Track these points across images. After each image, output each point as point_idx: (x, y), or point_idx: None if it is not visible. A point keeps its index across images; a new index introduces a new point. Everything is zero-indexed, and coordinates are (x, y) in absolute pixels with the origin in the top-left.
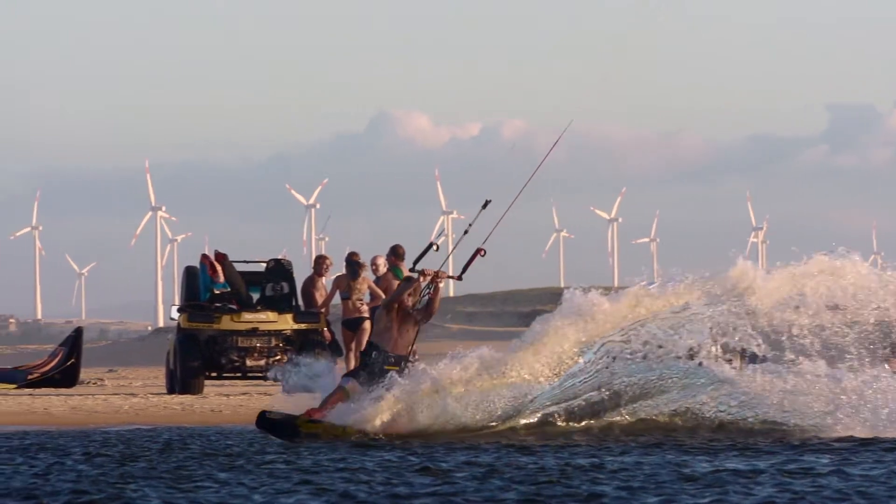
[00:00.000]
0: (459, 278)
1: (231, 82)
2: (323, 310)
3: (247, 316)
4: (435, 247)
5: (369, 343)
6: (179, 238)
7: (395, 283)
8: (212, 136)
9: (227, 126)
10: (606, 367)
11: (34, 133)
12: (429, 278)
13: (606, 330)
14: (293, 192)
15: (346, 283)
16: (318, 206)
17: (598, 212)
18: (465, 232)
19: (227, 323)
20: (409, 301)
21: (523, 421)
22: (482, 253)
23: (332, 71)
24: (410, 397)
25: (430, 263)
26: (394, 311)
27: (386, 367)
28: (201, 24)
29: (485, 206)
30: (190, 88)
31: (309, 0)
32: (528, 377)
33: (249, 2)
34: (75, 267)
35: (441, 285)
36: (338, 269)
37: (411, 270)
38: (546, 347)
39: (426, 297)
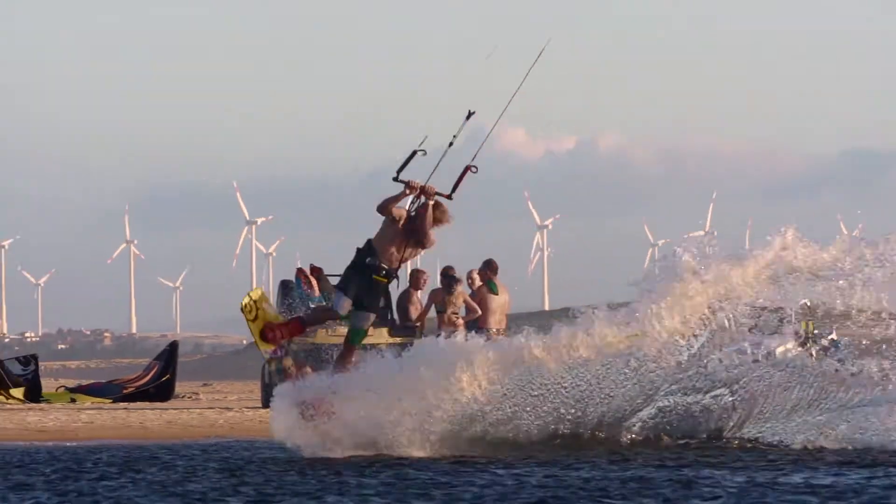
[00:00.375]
0: (450, 197)
1: (329, 95)
2: (418, 324)
3: (342, 330)
4: (422, 153)
5: (368, 242)
6: (273, 249)
7: (490, 297)
8: (309, 150)
9: (327, 140)
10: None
11: (127, 148)
12: (416, 191)
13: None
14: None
15: (441, 298)
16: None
17: (691, 235)
18: (450, 144)
19: (322, 337)
20: (396, 213)
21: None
22: (473, 169)
23: (428, 84)
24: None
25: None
26: (399, 223)
27: (375, 278)
28: (305, 40)
29: (468, 117)
30: (288, 101)
31: (404, 17)
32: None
33: (350, 20)
34: (168, 283)
35: (430, 202)
36: (433, 282)
37: (395, 180)
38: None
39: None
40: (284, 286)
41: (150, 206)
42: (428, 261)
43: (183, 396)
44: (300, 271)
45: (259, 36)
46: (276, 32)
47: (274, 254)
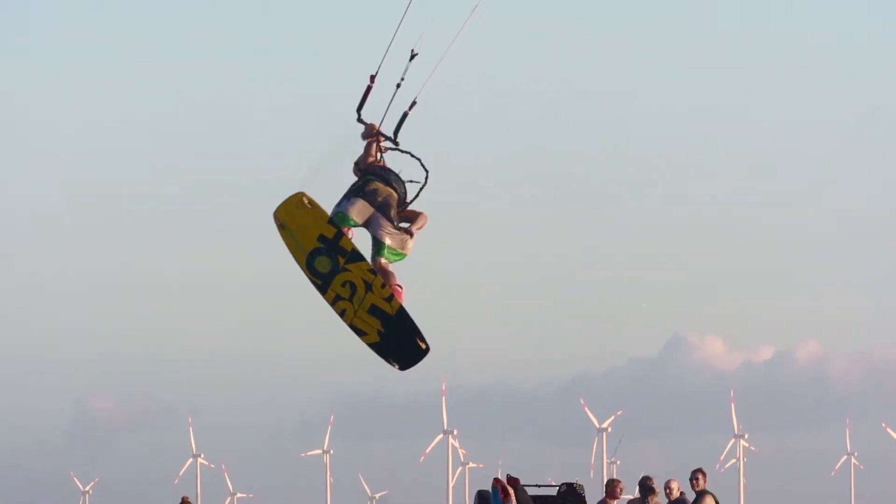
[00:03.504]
0: (395, 141)
1: (525, 312)
2: None
3: None
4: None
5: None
6: (470, 464)
7: None
8: (507, 359)
9: (523, 351)
10: None
11: (327, 356)
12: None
13: None
14: (587, 410)
15: None
16: (609, 429)
17: (889, 430)
18: (398, 86)
19: None
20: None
21: None
22: (411, 108)
23: (626, 294)
24: None
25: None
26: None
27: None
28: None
29: (411, 58)
30: (481, 305)
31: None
32: None
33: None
34: (367, 490)
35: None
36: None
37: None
38: None
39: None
40: (481, 497)
41: (350, 414)
42: (624, 471)
43: None
44: (497, 481)
45: None
46: None
47: (472, 465)
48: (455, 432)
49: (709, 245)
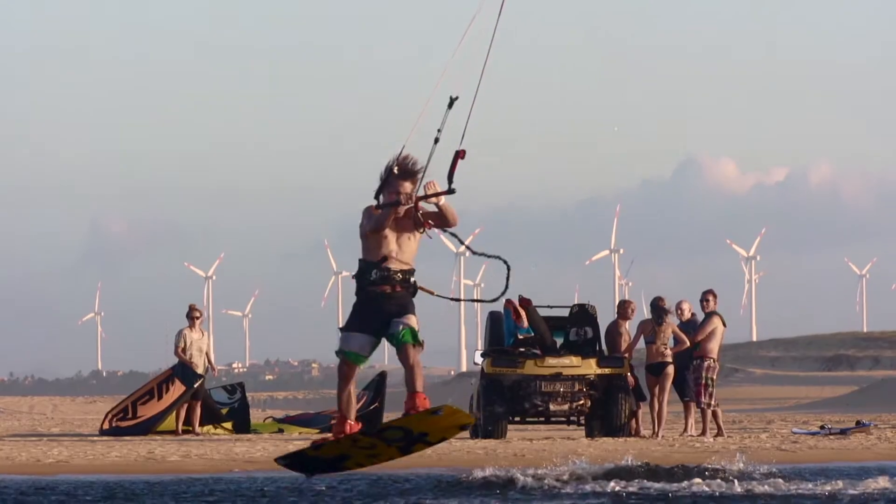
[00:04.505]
0: (451, 191)
1: (534, 127)
2: (627, 355)
3: (551, 361)
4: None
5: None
6: (480, 282)
7: (720, 326)
8: (519, 183)
9: (536, 175)
10: None
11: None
12: (410, 204)
13: None
14: (610, 228)
15: (650, 328)
16: (621, 251)
17: None
18: (436, 140)
19: (531, 368)
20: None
21: None
22: (462, 155)
23: (640, 117)
24: None
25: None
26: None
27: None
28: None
29: (451, 104)
30: (495, 129)
31: (612, 46)
32: None
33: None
34: None
35: (441, 202)
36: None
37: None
38: None
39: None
40: (493, 318)
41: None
42: (636, 292)
43: None
44: (509, 302)
45: None
46: None
47: (482, 285)
48: (467, 253)
49: (720, 65)
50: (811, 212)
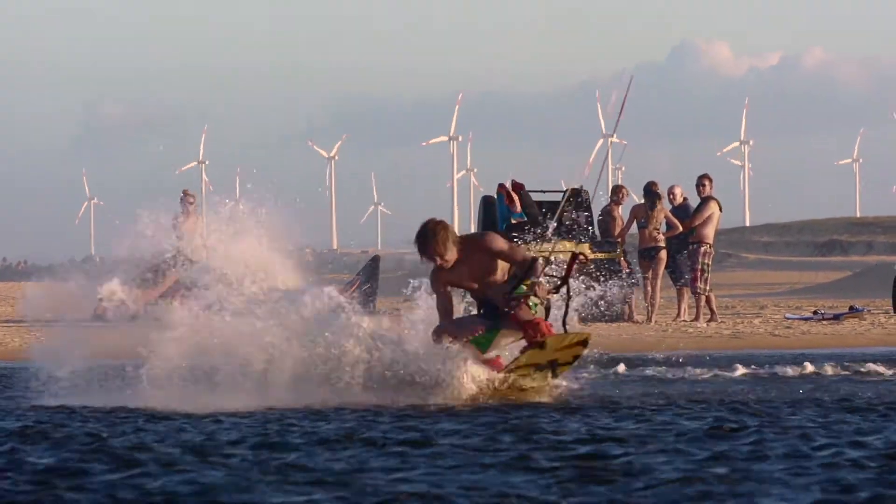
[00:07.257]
0: (556, 291)
1: (530, 11)
2: (620, 239)
3: (544, 245)
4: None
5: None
6: (474, 168)
7: (716, 210)
8: (513, 66)
9: (530, 56)
10: None
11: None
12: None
13: None
14: (599, 109)
15: (643, 213)
16: (614, 137)
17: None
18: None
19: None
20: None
21: None
22: (583, 258)
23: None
24: None
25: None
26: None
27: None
28: None
29: (569, 195)
30: (492, 15)
31: None
32: None
33: None
34: (375, 195)
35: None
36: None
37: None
38: None
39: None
40: (486, 202)
41: (349, 123)
42: (630, 177)
43: (385, 312)
44: (502, 187)
45: None
46: None
47: (476, 170)
48: (460, 138)
49: None
50: (805, 95)
